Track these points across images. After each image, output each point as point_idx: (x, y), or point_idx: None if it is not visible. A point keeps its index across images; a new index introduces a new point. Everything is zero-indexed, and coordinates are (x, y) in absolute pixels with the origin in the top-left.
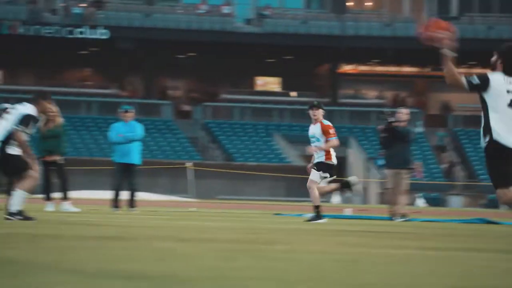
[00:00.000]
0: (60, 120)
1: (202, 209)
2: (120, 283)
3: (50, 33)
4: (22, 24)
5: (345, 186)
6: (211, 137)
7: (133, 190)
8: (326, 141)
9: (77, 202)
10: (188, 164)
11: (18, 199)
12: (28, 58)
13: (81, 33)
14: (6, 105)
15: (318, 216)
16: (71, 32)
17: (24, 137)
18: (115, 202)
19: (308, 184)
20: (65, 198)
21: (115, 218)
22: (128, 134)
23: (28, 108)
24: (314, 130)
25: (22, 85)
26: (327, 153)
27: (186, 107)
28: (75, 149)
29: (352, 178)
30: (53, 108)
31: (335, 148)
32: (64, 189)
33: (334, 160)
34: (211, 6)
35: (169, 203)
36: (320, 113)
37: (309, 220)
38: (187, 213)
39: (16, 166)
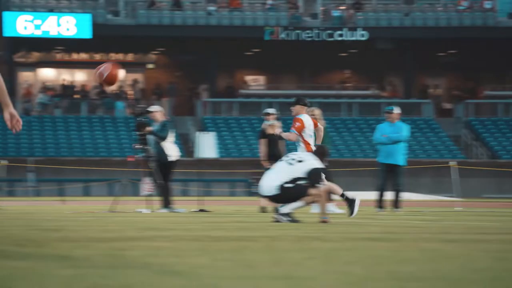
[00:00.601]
0: (322, 123)
1: (468, 209)
2: (391, 284)
3: (310, 37)
4: (283, 29)
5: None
6: (474, 135)
7: (397, 191)
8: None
9: (341, 203)
10: (452, 163)
11: (294, 206)
12: (289, 63)
13: (340, 35)
14: (269, 110)
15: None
16: (331, 35)
17: (320, 191)
18: (380, 203)
19: None
20: (330, 199)
21: (380, 218)
22: (392, 135)
23: (315, 162)
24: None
25: (284, 90)
26: (306, 146)
27: (448, 105)
28: (337, 151)
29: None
30: (316, 111)
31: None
32: (327, 190)
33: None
34: (471, 2)
35: (433, 203)
36: (296, 109)
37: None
38: (452, 212)
39: (295, 195)
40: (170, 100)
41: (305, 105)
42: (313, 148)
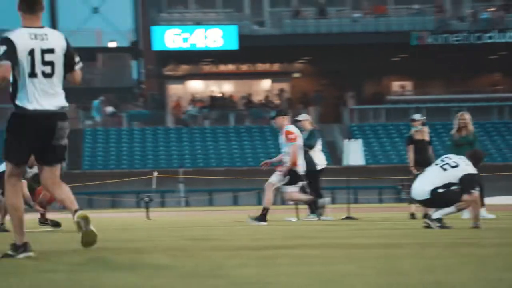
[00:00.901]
0: (472, 127)
1: None
2: None
3: (458, 40)
4: (430, 34)
5: (315, 205)
6: None
7: None
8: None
9: (492, 208)
10: None
11: (446, 211)
12: (437, 67)
13: (490, 38)
14: (416, 115)
15: (262, 218)
16: (479, 38)
17: (473, 197)
18: None
19: (266, 184)
20: (481, 204)
21: None
22: None
23: (469, 167)
24: (281, 139)
25: (431, 95)
26: (292, 154)
27: None
28: (489, 156)
29: (322, 200)
30: (465, 115)
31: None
32: (479, 195)
33: (300, 169)
34: None
35: None
36: (278, 121)
37: (253, 219)
38: None
39: (447, 200)
40: (316, 108)
41: (286, 115)
42: (301, 161)
